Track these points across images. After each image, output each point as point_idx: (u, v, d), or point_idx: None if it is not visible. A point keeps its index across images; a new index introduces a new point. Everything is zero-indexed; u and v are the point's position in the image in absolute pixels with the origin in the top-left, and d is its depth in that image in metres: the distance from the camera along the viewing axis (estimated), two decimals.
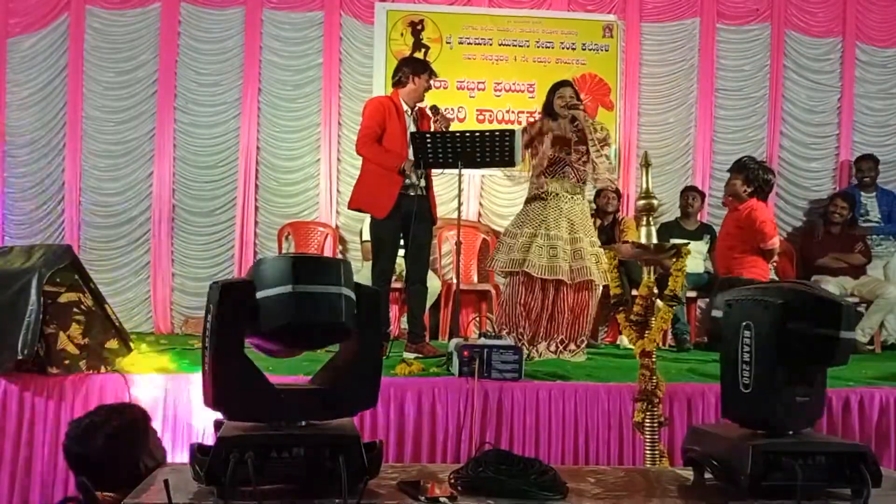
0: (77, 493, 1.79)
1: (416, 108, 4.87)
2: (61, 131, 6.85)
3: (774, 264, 6.48)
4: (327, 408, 1.55)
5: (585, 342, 4.86)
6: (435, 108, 4.79)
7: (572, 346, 4.72)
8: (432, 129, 4.67)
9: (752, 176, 6.05)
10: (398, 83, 4.85)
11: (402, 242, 4.81)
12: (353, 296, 1.49)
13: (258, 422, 1.51)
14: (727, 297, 1.63)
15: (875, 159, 6.95)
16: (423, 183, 4.73)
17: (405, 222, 4.62)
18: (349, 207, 5.04)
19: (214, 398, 1.49)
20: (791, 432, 1.58)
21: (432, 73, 4.86)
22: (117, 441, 2.10)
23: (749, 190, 6.03)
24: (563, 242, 4.66)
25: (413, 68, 4.84)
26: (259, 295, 1.45)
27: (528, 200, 4.91)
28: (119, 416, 2.18)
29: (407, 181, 4.66)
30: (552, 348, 4.68)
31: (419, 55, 6.78)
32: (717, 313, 1.64)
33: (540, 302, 4.69)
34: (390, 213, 4.64)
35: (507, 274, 4.86)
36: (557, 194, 4.76)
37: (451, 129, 4.72)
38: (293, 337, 1.51)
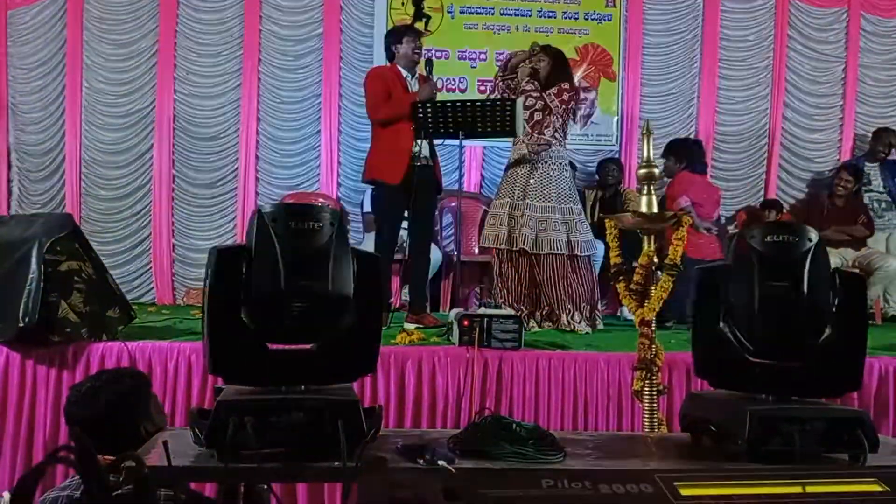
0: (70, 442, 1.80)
1: (417, 73, 4.85)
2: (62, 103, 6.82)
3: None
4: (325, 373, 1.55)
5: (593, 311, 4.82)
6: (429, 62, 4.80)
7: (577, 317, 4.71)
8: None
9: (681, 152, 6.10)
10: (390, 57, 4.90)
11: (406, 213, 4.82)
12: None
13: (256, 386, 1.52)
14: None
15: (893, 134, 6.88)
16: (426, 152, 4.71)
17: (410, 193, 4.61)
18: (364, 180, 5.07)
19: (213, 364, 1.50)
20: (793, 398, 1.58)
21: (414, 35, 4.84)
22: (119, 405, 2.10)
23: (681, 166, 6.06)
24: (539, 213, 4.65)
25: (393, 38, 4.89)
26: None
27: (508, 167, 4.89)
28: (120, 381, 2.19)
29: (413, 150, 4.64)
30: (555, 320, 4.68)
31: (420, 25, 6.72)
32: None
33: (528, 275, 4.70)
34: (396, 185, 4.62)
35: (493, 249, 4.86)
36: (535, 162, 4.74)
37: (454, 99, 4.71)
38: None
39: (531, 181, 4.73)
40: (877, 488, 0.54)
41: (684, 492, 0.54)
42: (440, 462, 1.35)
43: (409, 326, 4.46)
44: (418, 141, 4.62)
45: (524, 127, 4.67)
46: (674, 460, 1.50)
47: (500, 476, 0.52)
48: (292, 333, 1.51)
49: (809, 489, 0.53)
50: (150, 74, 6.84)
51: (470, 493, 0.50)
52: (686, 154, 6.10)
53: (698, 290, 1.62)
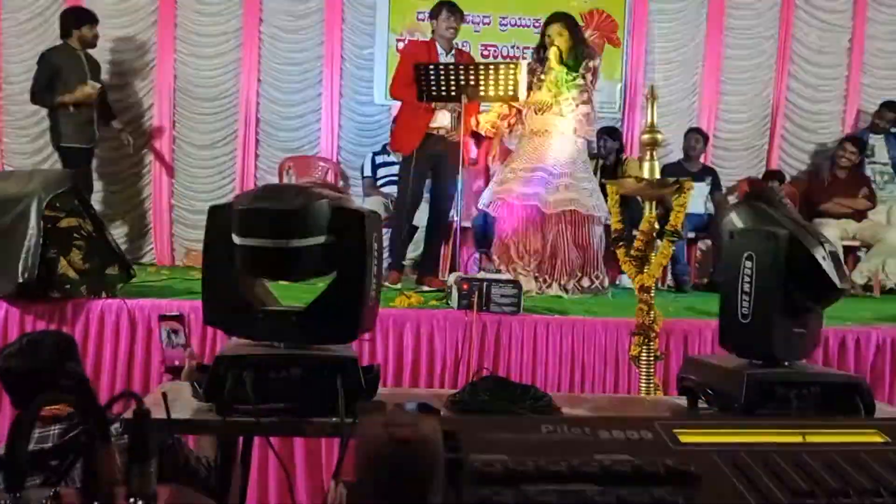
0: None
1: (454, 51, 4.86)
2: None
3: None
4: (314, 332, 1.52)
5: (601, 277, 4.81)
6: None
7: (586, 282, 4.69)
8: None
9: None
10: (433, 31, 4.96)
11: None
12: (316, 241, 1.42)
13: (249, 338, 1.52)
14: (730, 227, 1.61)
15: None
16: (446, 123, 4.77)
17: (433, 163, 4.79)
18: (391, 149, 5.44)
19: (208, 316, 1.51)
20: (787, 363, 1.59)
21: (450, 13, 4.79)
22: (62, 352, 2.13)
23: None
24: (545, 174, 4.62)
25: (432, 13, 4.93)
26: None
27: (520, 138, 4.86)
28: (52, 333, 2.23)
29: (434, 123, 4.74)
30: (562, 284, 4.67)
31: None
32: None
33: (525, 234, 4.67)
34: (417, 155, 4.76)
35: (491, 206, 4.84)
36: (548, 132, 4.70)
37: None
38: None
39: (543, 149, 4.70)
40: (878, 438, 0.55)
41: (684, 439, 0.54)
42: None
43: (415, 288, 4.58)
44: (441, 114, 4.73)
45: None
46: (669, 419, 1.50)
47: (499, 421, 0.52)
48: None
49: (809, 438, 0.54)
50: (150, 32, 6.78)
51: (468, 437, 0.50)
52: None
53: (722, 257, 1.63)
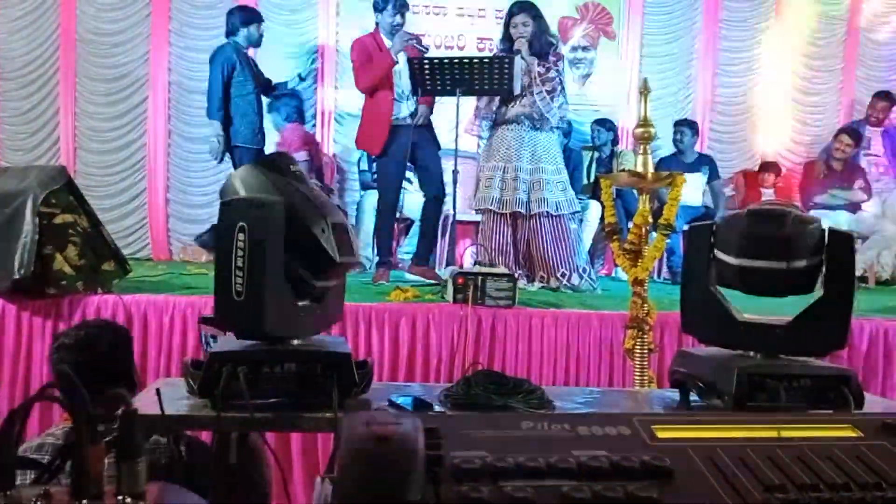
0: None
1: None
2: (55, 54, 6.74)
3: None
4: (315, 322, 1.55)
5: (588, 271, 4.82)
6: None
7: (575, 278, 4.71)
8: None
9: None
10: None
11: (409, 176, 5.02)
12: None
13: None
14: None
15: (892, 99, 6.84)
16: (411, 111, 4.76)
17: (410, 153, 4.74)
18: (357, 148, 5.23)
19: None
20: (780, 355, 1.60)
21: (396, 5, 4.77)
22: (117, 349, 2.11)
23: None
24: (524, 174, 4.63)
25: (375, 4, 4.87)
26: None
27: (494, 126, 4.86)
28: (110, 328, 2.20)
29: (401, 113, 4.72)
30: (544, 283, 4.69)
31: None
32: None
33: (511, 237, 4.71)
34: (389, 149, 4.74)
35: (479, 211, 4.87)
36: (519, 122, 4.71)
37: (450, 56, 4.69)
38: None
39: (517, 142, 4.71)
40: (851, 433, 0.56)
41: (660, 434, 0.55)
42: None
43: (409, 276, 4.60)
44: (402, 104, 4.73)
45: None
46: (660, 413, 1.52)
47: (481, 418, 0.54)
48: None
49: (784, 433, 0.55)
50: (145, 25, 6.77)
51: (449, 434, 0.51)
52: None
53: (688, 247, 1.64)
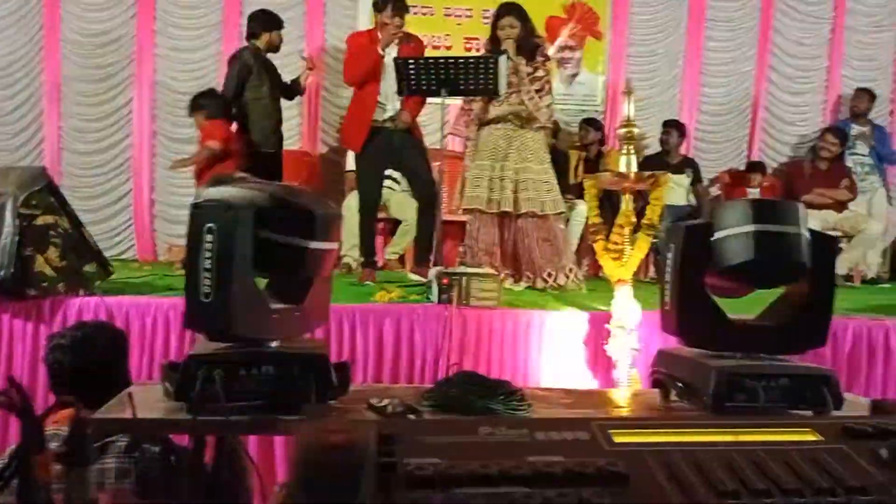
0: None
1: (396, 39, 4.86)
2: (39, 54, 6.70)
3: None
4: (298, 324, 1.55)
5: (574, 271, 4.82)
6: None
7: (562, 278, 4.70)
8: None
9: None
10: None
11: (393, 175, 5.02)
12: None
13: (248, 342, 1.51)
14: None
15: (871, 94, 6.88)
16: (390, 113, 4.78)
17: (391, 157, 4.77)
18: (341, 144, 5.22)
19: (208, 318, 1.45)
20: (761, 354, 1.60)
21: (395, 7, 4.76)
22: (112, 353, 2.09)
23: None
24: (511, 173, 4.64)
25: (375, 4, 4.86)
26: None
27: (481, 126, 4.85)
28: (107, 330, 2.18)
29: (384, 114, 4.73)
30: (530, 283, 4.69)
31: None
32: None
33: (498, 237, 4.71)
34: (369, 148, 4.77)
35: (467, 211, 4.86)
36: (507, 121, 4.71)
37: (437, 56, 4.68)
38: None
39: (504, 141, 4.71)
40: (810, 437, 0.55)
41: (617, 439, 0.54)
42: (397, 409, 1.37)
43: (413, 277, 4.64)
44: (387, 106, 4.74)
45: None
46: (638, 410, 1.51)
47: (438, 424, 0.53)
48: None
49: (742, 437, 0.54)
50: (129, 26, 6.74)
51: (405, 440, 0.50)
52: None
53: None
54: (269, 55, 5.48)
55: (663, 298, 1.59)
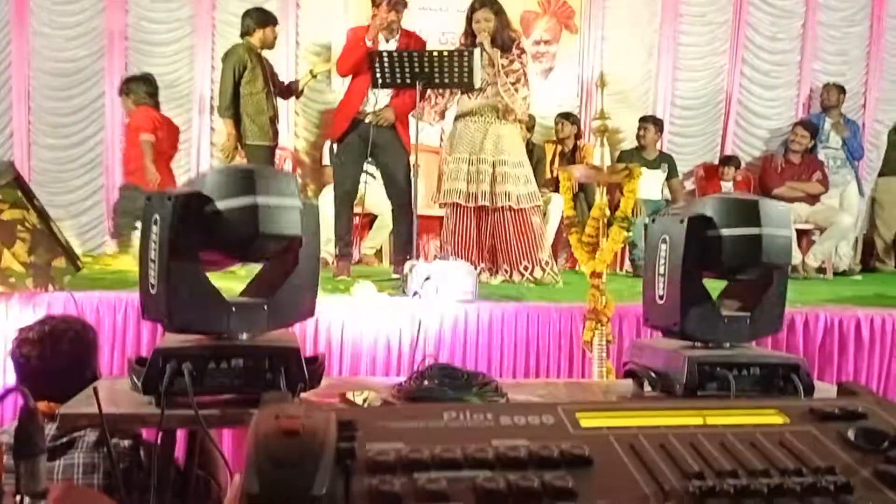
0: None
1: (396, 34, 4.88)
2: (7, 48, 6.59)
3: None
4: (267, 318, 1.53)
5: (550, 264, 4.83)
6: None
7: (538, 272, 4.71)
8: None
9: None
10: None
11: (368, 170, 4.96)
12: (302, 207, 1.46)
13: (202, 333, 1.49)
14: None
15: (840, 88, 6.96)
16: (377, 109, 4.75)
17: (370, 150, 4.75)
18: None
19: (155, 310, 1.46)
20: (727, 345, 1.61)
21: (389, 2, 4.75)
22: (80, 348, 2.07)
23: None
24: (487, 166, 4.64)
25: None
26: (220, 206, 1.41)
27: (457, 118, 4.85)
28: (75, 324, 2.15)
29: (364, 109, 4.72)
30: (506, 276, 4.69)
31: None
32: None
33: (475, 230, 4.71)
34: (348, 139, 4.77)
35: (444, 205, 4.86)
36: (482, 114, 4.71)
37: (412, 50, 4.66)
38: (250, 249, 1.48)
39: (480, 134, 4.71)
40: (777, 420, 0.55)
41: (584, 423, 0.54)
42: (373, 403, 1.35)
43: (395, 276, 4.58)
44: (372, 100, 4.73)
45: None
46: (610, 400, 1.52)
47: (401, 410, 0.52)
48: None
49: (710, 420, 0.54)
50: (100, 19, 6.65)
51: (365, 426, 0.49)
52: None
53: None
54: (264, 52, 5.47)
55: (654, 291, 1.57)
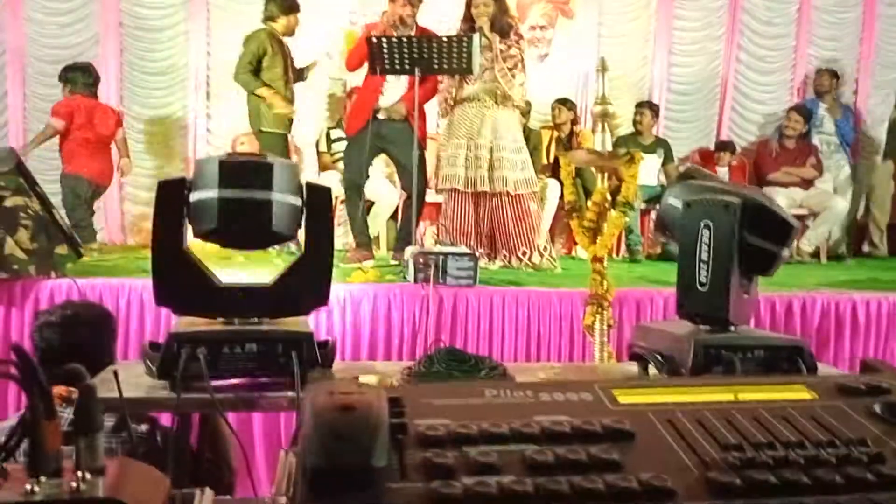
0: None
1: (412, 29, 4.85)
2: (1, 35, 6.54)
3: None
4: (277, 306, 1.54)
5: (548, 249, 4.86)
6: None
7: (536, 257, 4.74)
8: None
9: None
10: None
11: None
12: (289, 200, 1.46)
13: (204, 317, 1.51)
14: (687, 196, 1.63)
15: (833, 73, 6.98)
16: (384, 101, 4.75)
17: (381, 144, 4.79)
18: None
19: (160, 295, 1.49)
20: (732, 328, 1.63)
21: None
22: (100, 331, 2.09)
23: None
24: (485, 151, 4.66)
25: None
26: (192, 197, 1.43)
27: (455, 104, 4.86)
28: (95, 308, 2.18)
29: (380, 105, 4.74)
30: (505, 262, 4.71)
31: None
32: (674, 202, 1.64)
33: (473, 216, 4.73)
34: (362, 134, 4.73)
35: (442, 191, 4.87)
36: (480, 99, 4.72)
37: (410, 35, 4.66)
38: (222, 241, 1.53)
39: (478, 120, 4.72)
40: (806, 395, 0.58)
41: (622, 399, 0.56)
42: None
43: (393, 263, 4.61)
44: (387, 95, 4.74)
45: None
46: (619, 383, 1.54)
47: (443, 388, 0.54)
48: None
49: (741, 396, 0.56)
50: (94, 4, 6.59)
51: (413, 402, 0.52)
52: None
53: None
54: (285, 38, 5.46)
55: (693, 278, 1.56)
